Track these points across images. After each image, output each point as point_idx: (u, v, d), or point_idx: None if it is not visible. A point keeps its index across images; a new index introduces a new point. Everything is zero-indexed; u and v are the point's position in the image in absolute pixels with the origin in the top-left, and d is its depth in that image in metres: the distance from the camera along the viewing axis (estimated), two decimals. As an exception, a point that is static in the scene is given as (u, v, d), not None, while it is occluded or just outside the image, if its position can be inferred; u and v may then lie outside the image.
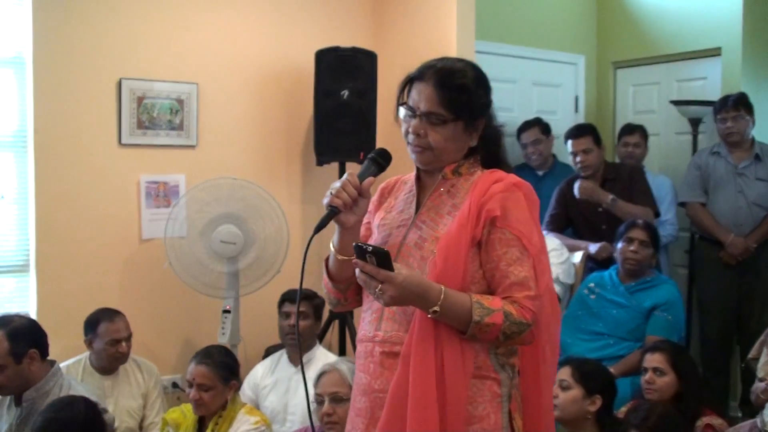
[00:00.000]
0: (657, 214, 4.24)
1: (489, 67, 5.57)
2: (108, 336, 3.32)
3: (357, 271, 1.74)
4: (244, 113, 4.13)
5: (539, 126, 4.78)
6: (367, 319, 1.90)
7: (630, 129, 4.81)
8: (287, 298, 3.54)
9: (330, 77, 3.91)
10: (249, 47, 4.11)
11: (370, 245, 1.72)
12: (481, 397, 1.79)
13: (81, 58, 3.66)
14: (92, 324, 3.35)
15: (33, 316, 3.52)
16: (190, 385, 3.03)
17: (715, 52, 4.86)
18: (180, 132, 3.91)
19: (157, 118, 3.85)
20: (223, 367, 3.02)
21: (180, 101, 3.90)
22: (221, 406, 3.04)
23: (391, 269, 1.70)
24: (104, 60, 3.71)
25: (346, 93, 3.89)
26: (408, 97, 1.88)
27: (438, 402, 1.73)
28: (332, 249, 1.90)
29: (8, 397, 2.99)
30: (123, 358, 3.39)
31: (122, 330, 3.36)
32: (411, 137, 1.86)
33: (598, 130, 4.43)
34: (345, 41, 4.10)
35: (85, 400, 2.70)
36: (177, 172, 3.90)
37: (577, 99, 5.52)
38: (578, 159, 4.28)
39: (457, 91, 1.83)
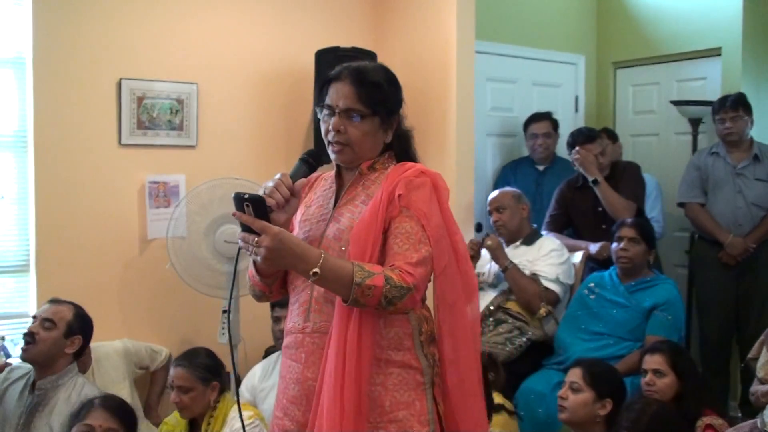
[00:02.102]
0: (640, 211, 4.22)
1: (489, 67, 5.59)
2: None
3: (238, 233, 1.80)
4: (244, 113, 4.13)
5: (550, 120, 4.82)
6: (296, 311, 2.00)
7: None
8: (277, 302, 3.51)
9: (330, 77, 3.91)
10: (249, 47, 4.11)
11: (247, 193, 1.76)
12: (407, 384, 1.91)
13: (81, 58, 3.65)
14: None
15: (33, 316, 3.52)
16: (172, 388, 3.04)
17: (715, 52, 4.87)
18: (180, 132, 3.91)
19: (157, 118, 3.84)
20: (203, 369, 3.01)
21: (180, 101, 3.90)
22: (208, 407, 3.02)
23: (268, 220, 1.76)
24: (104, 60, 3.71)
25: (346, 93, 3.88)
26: (326, 98, 1.98)
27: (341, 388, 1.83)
28: None
29: (22, 384, 3.05)
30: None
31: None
32: (331, 135, 1.96)
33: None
34: (345, 41, 4.10)
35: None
36: (177, 172, 3.89)
37: (577, 99, 5.52)
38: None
39: (373, 87, 1.94)
